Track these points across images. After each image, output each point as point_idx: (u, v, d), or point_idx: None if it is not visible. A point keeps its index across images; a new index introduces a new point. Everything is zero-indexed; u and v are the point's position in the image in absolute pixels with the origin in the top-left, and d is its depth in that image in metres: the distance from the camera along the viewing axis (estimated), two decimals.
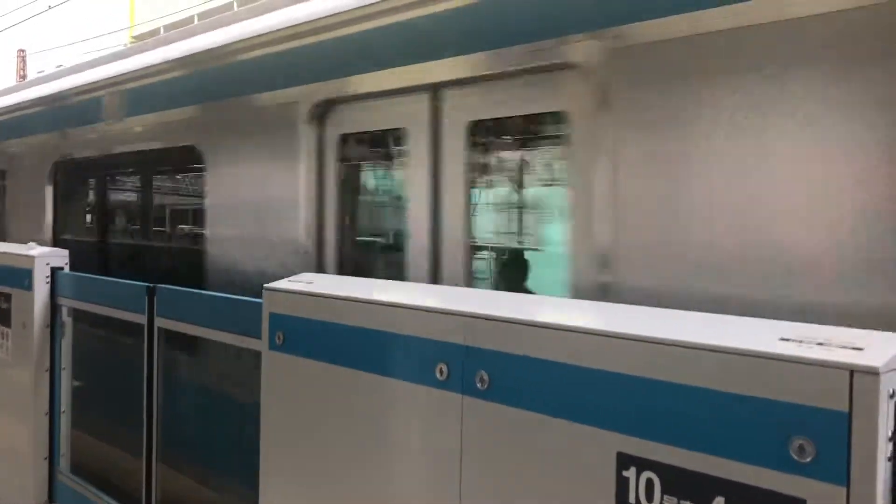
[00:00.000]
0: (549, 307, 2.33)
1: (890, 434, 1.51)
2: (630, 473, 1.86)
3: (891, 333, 1.72)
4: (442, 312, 2.34)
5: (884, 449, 1.50)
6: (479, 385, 2.22)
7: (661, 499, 1.80)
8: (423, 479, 2.39)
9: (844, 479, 1.53)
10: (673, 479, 1.79)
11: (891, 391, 1.52)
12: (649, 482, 1.83)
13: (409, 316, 2.45)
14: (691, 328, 1.87)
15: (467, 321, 2.26)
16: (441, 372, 2.32)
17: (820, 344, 1.64)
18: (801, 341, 1.67)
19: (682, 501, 1.77)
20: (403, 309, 2.48)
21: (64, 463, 5.01)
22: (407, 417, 2.46)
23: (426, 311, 2.39)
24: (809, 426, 1.58)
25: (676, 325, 1.93)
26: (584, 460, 1.95)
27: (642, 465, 1.84)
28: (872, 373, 1.49)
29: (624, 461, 1.87)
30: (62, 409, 5.04)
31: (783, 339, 1.69)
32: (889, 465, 1.52)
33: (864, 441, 1.50)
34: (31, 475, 4.98)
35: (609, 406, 1.90)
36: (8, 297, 5.19)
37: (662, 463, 1.81)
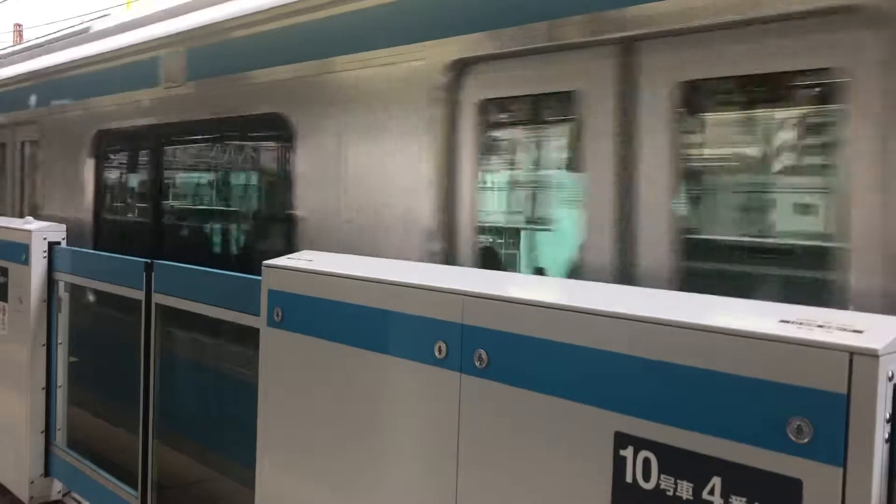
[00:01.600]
0: (547, 287, 2.34)
1: (888, 416, 1.52)
2: (627, 453, 1.86)
3: (891, 317, 1.73)
4: (441, 291, 2.34)
5: (881, 431, 1.51)
6: (477, 364, 2.22)
7: (658, 478, 1.81)
8: (421, 457, 2.40)
9: (841, 460, 1.54)
10: (670, 458, 1.79)
11: (890, 374, 1.52)
12: (646, 461, 1.84)
13: (409, 294, 2.45)
14: (691, 309, 1.88)
15: (466, 300, 2.26)
16: (440, 350, 2.33)
17: (820, 326, 1.64)
18: (800, 323, 1.68)
19: (679, 481, 1.78)
20: (403, 287, 2.48)
21: (60, 437, 5.02)
22: (405, 395, 2.47)
23: (425, 289, 2.39)
24: (807, 407, 1.58)
25: (677, 305, 1.94)
26: (581, 439, 1.96)
27: (640, 444, 1.85)
28: (872, 355, 1.49)
29: (621, 440, 1.88)
30: (58, 384, 5.04)
31: (783, 321, 1.69)
32: (886, 446, 1.53)
33: (862, 423, 1.50)
34: (28, 449, 4.99)
35: (607, 386, 1.90)
36: (5, 272, 5.18)
37: (660, 443, 1.81)
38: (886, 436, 1.52)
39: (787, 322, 1.69)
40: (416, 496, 2.41)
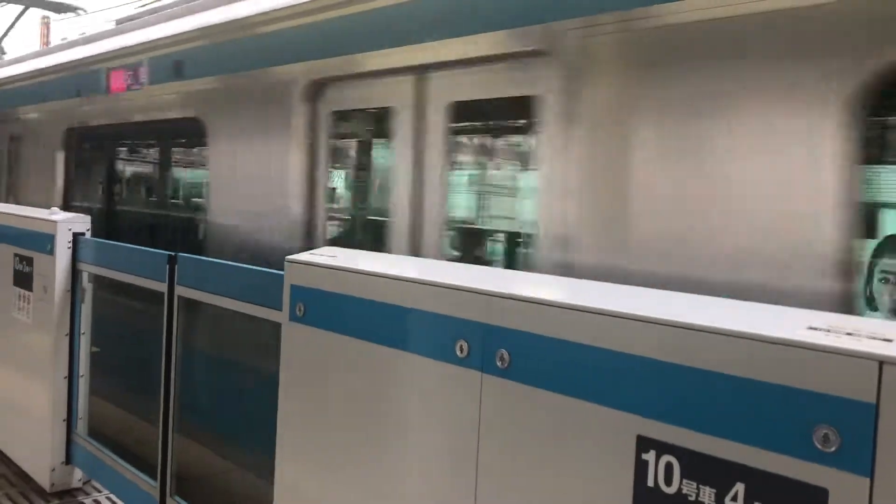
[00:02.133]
0: (571, 288, 2.33)
1: None
2: (650, 457, 1.85)
3: None
4: (464, 290, 2.34)
5: None
6: (499, 363, 2.22)
7: (681, 483, 1.80)
8: (441, 456, 2.40)
9: (869, 470, 1.52)
10: (693, 463, 1.78)
11: None
12: (669, 466, 1.82)
13: (431, 292, 2.45)
14: (717, 313, 1.86)
15: (489, 299, 2.25)
16: (461, 349, 2.32)
17: (849, 334, 1.63)
18: (828, 330, 1.66)
19: (701, 486, 1.77)
20: (426, 285, 2.48)
21: (81, 426, 5.08)
22: (426, 393, 2.47)
23: (448, 288, 2.39)
24: (835, 416, 1.56)
25: (702, 309, 1.92)
26: (603, 442, 1.95)
27: (662, 448, 1.84)
28: None
29: (644, 444, 1.86)
30: (81, 374, 5.09)
31: (811, 328, 1.67)
32: None
33: (891, 433, 1.49)
34: (50, 437, 5.05)
35: (631, 389, 1.89)
36: (30, 261, 5.24)
37: (683, 447, 1.80)
38: None
39: (816, 329, 1.67)
40: (434, 494, 2.41)
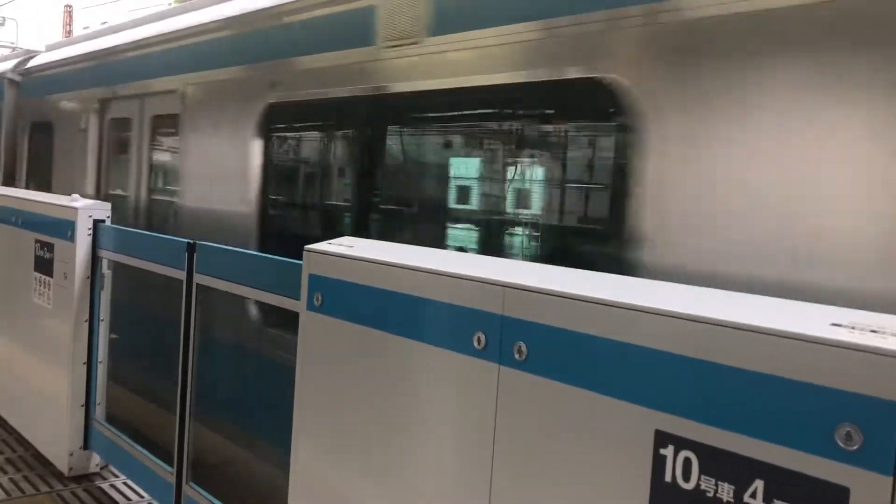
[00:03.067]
0: (590, 280, 2.31)
1: None
2: (668, 452, 1.84)
3: None
4: (482, 281, 2.33)
5: None
6: (516, 356, 2.21)
7: (699, 479, 1.79)
8: (456, 447, 2.40)
9: (892, 469, 1.50)
10: (712, 459, 1.77)
11: None
12: (687, 461, 1.81)
13: (449, 283, 2.44)
14: (739, 309, 1.84)
15: (507, 291, 2.24)
16: (479, 341, 2.31)
17: (874, 331, 1.60)
18: (853, 328, 1.63)
19: (720, 483, 1.75)
20: (444, 276, 2.47)
21: (99, 411, 5.12)
22: (442, 384, 2.46)
23: (466, 279, 2.38)
24: (858, 414, 1.54)
25: (725, 305, 1.90)
26: (620, 437, 1.93)
27: (681, 443, 1.82)
28: None
29: (662, 439, 1.85)
30: (99, 360, 5.14)
31: (835, 325, 1.65)
32: None
33: None
34: (68, 422, 5.09)
35: (650, 383, 1.87)
36: (51, 247, 5.28)
37: (702, 443, 1.79)
38: None
39: (840, 326, 1.64)
40: (449, 485, 2.41)
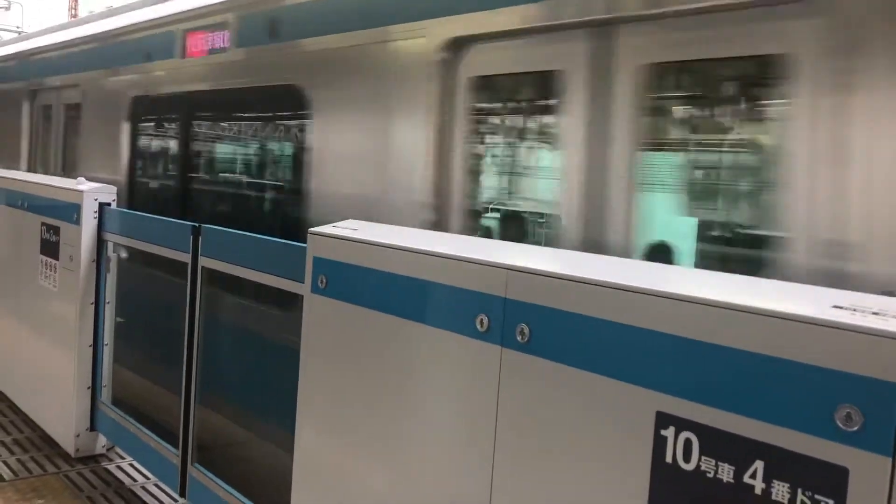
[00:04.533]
0: (593, 263, 2.31)
1: None
2: (669, 433, 1.85)
3: None
4: (485, 264, 2.34)
5: None
6: (519, 338, 2.21)
7: (699, 459, 1.80)
8: (459, 428, 2.41)
9: (891, 449, 1.50)
10: (712, 440, 1.77)
11: None
12: (688, 442, 1.82)
13: (452, 266, 2.45)
14: (740, 291, 1.84)
15: (510, 274, 2.25)
16: (482, 323, 2.32)
17: (875, 313, 1.60)
18: (854, 310, 1.64)
19: (720, 463, 1.76)
20: (447, 259, 2.48)
21: (105, 394, 5.16)
22: (446, 366, 2.47)
23: (469, 262, 2.39)
24: (858, 395, 1.55)
25: (726, 287, 1.90)
26: (622, 418, 1.94)
27: (681, 424, 1.83)
28: None
29: (663, 420, 1.86)
30: (105, 343, 5.17)
31: (836, 307, 1.65)
32: None
33: None
34: (75, 404, 5.13)
35: (651, 365, 1.88)
36: (57, 231, 5.30)
37: (702, 424, 1.79)
38: None
39: (841, 308, 1.65)
40: (452, 466, 2.43)
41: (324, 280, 2.92)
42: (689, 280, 2.02)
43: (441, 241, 2.77)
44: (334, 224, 3.10)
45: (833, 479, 1.58)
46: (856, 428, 1.55)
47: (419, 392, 2.56)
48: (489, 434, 2.30)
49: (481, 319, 2.32)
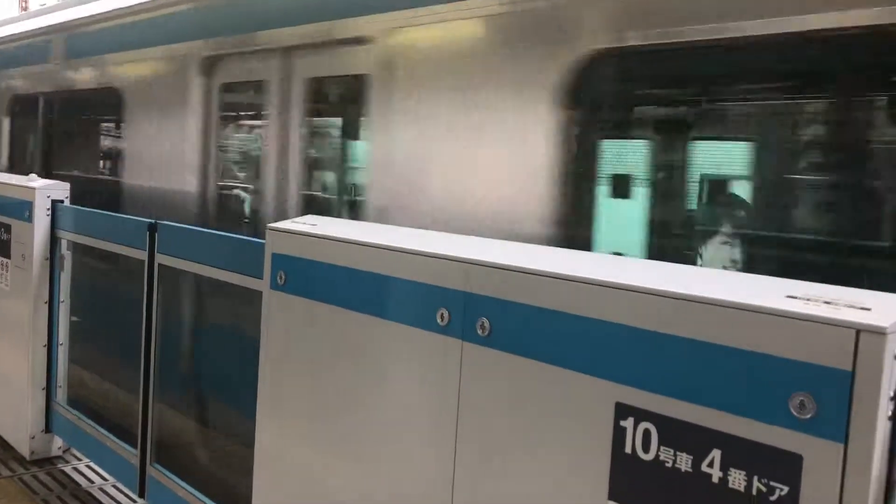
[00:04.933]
0: (551, 256, 2.32)
1: (892, 394, 1.51)
2: (628, 423, 1.86)
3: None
4: (445, 258, 2.33)
5: (885, 408, 1.50)
6: (479, 331, 2.22)
7: (658, 449, 1.82)
8: (420, 422, 2.41)
9: (843, 436, 1.53)
10: (671, 430, 1.79)
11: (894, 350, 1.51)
12: (647, 432, 1.84)
13: (413, 261, 2.44)
14: (696, 282, 1.86)
15: (470, 267, 2.25)
16: (442, 317, 2.32)
17: (827, 303, 1.63)
18: (808, 299, 1.66)
19: (678, 453, 1.78)
20: (407, 254, 2.47)
21: (61, 394, 5.05)
22: (407, 361, 2.47)
23: (429, 256, 2.38)
24: (811, 383, 1.58)
25: (683, 278, 1.93)
26: (581, 410, 1.96)
27: (640, 415, 1.85)
28: (879, 333, 1.48)
29: (622, 411, 1.87)
30: (60, 342, 5.06)
31: (790, 297, 1.68)
32: (889, 424, 1.53)
33: (866, 400, 1.50)
34: (29, 405, 5.02)
35: (610, 356, 1.90)
36: (8, 228, 5.18)
37: (661, 414, 1.81)
38: (889, 413, 1.52)
39: (795, 297, 1.67)
40: (414, 461, 2.42)
41: (283, 276, 2.89)
42: (646, 272, 2.04)
43: (401, 235, 2.76)
44: (293, 219, 3.08)
45: (788, 466, 1.61)
46: (809, 416, 1.58)
47: (380, 388, 2.55)
48: (451, 428, 2.30)
49: (442, 313, 2.32)
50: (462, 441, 2.27)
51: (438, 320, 2.33)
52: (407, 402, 2.46)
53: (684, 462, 1.77)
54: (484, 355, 2.21)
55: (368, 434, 2.58)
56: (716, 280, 1.92)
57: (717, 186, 3.04)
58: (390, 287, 2.52)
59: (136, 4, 5.64)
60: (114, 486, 4.83)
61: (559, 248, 2.45)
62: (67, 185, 5.09)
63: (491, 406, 2.19)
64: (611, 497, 1.90)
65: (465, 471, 2.26)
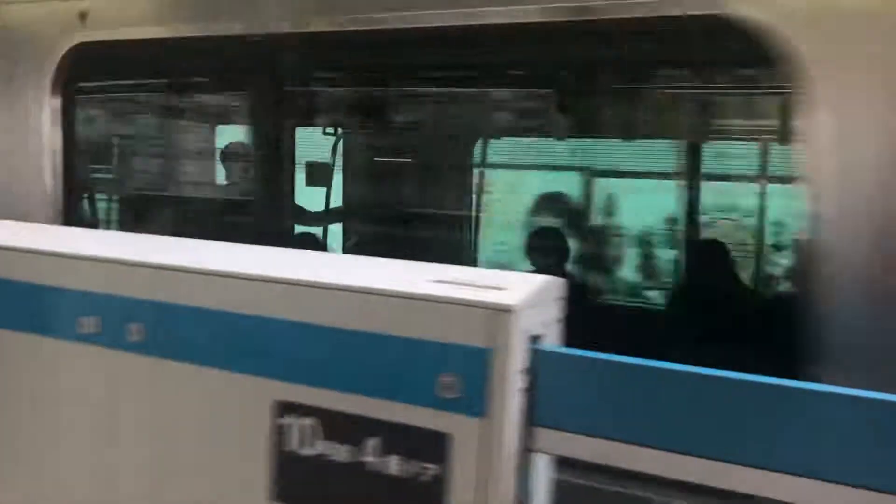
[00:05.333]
0: (202, 251, 2.19)
1: (523, 368, 1.61)
2: (287, 421, 1.80)
3: (534, 276, 1.84)
4: (89, 259, 2.10)
5: (517, 382, 1.59)
6: (133, 338, 2.03)
7: (320, 444, 1.78)
8: (78, 435, 2.15)
9: (485, 411, 1.60)
10: (331, 423, 1.76)
11: (526, 327, 1.61)
12: (307, 428, 1.79)
13: (54, 264, 2.18)
14: (345, 270, 1.86)
15: (117, 268, 2.05)
16: (91, 325, 2.09)
17: (468, 285, 1.70)
18: (451, 282, 1.72)
19: (339, 446, 1.76)
20: (47, 256, 2.19)
21: None
22: (55, 376, 2.19)
23: (71, 258, 2.14)
24: (455, 363, 1.63)
25: (327, 267, 1.91)
26: (240, 411, 1.86)
27: (301, 411, 1.80)
28: (508, 311, 1.57)
29: (281, 409, 1.81)
30: None
31: (435, 281, 1.73)
32: (522, 396, 1.62)
33: (500, 375, 1.58)
34: None
35: (264, 353, 1.82)
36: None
37: (322, 408, 1.78)
38: (522, 386, 1.61)
39: (439, 282, 1.72)
40: (78, 482, 2.17)
41: None
42: (294, 262, 1.99)
43: (46, 236, 2.46)
44: None
45: (439, 446, 1.65)
46: (455, 395, 1.63)
47: (34, 405, 2.25)
48: (113, 443, 2.09)
49: (89, 321, 2.09)
50: (124, 455, 2.07)
51: (85, 328, 2.09)
52: (65, 421, 2.19)
53: (345, 454, 1.75)
54: (139, 364, 2.02)
55: (33, 458, 2.26)
56: (364, 267, 1.93)
57: None
58: (32, 296, 2.22)
59: None
60: None
61: (215, 242, 2.32)
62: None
63: (149, 415, 2.02)
64: (274, 498, 1.83)
65: (129, 485, 2.06)
